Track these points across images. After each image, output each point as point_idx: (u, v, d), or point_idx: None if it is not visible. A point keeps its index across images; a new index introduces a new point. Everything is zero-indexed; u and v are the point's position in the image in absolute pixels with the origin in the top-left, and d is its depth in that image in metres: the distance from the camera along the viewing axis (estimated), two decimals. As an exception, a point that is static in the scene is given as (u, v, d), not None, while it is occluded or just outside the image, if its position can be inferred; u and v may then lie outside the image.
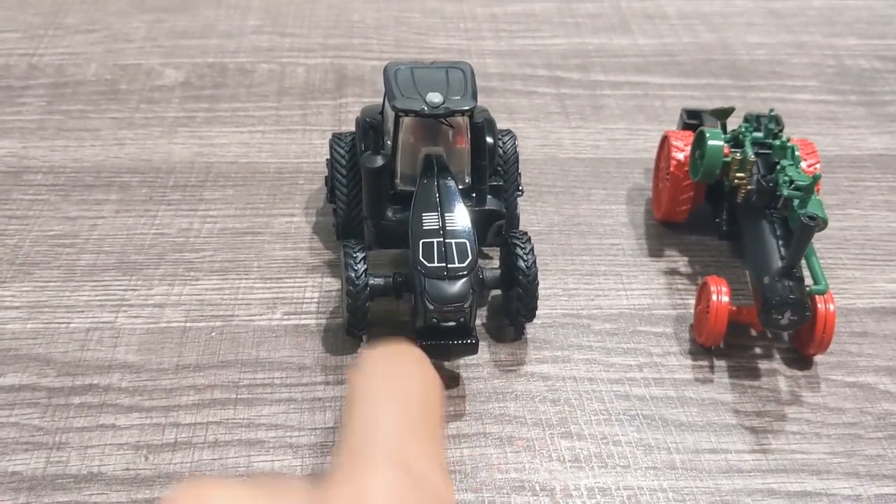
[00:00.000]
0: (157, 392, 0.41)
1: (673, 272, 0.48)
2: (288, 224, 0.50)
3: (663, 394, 0.42)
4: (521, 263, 0.41)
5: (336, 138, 0.47)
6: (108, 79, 0.62)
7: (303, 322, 0.44)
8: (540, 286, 0.47)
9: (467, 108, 0.40)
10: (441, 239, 0.39)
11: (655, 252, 0.50)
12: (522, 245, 0.42)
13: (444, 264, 0.38)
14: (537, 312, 0.43)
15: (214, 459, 0.38)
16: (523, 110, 0.61)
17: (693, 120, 0.51)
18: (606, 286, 0.48)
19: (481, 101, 0.61)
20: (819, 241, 0.50)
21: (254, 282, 0.47)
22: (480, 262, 0.42)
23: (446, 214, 0.40)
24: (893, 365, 0.44)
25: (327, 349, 0.43)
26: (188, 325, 0.44)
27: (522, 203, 0.52)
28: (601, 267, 0.49)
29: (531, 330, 0.45)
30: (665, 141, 0.50)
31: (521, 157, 0.56)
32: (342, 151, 0.46)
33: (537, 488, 0.38)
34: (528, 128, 0.59)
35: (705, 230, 0.50)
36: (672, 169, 0.48)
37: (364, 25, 0.70)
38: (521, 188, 0.47)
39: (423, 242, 0.39)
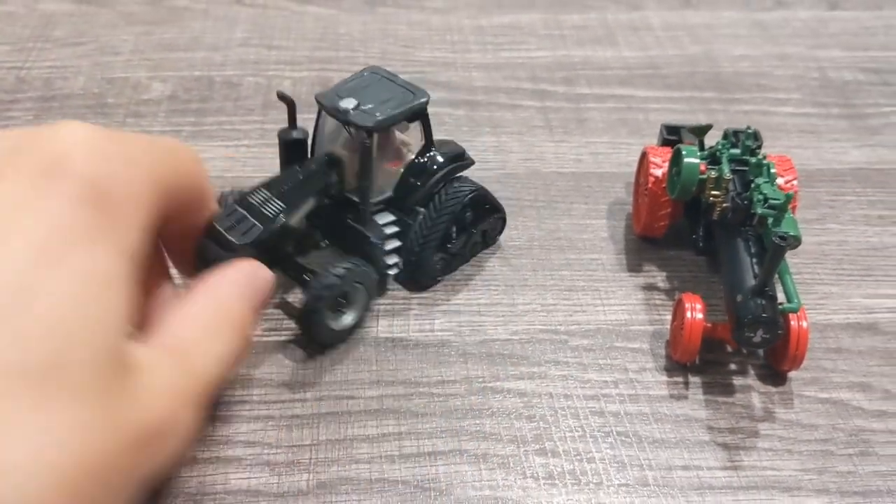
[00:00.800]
0: (136, 409, 0.41)
1: (651, 287, 0.49)
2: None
3: (638, 410, 0.42)
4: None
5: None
6: (95, 92, 0.63)
7: (282, 339, 0.45)
8: (518, 301, 0.47)
9: (365, 125, 0.41)
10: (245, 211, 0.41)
11: (634, 267, 0.50)
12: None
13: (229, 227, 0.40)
14: (515, 329, 0.44)
15: (192, 476, 0.38)
16: (508, 124, 0.61)
17: (672, 136, 0.51)
18: (585, 301, 0.48)
19: (466, 113, 0.62)
20: (797, 256, 0.51)
21: (235, 298, 0.47)
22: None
23: (271, 193, 0.42)
24: (867, 381, 0.44)
25: (306, 366, 0.44)
26: (169, 341, 0.45)
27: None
28: (580, 282, 0.49)
29: (508, 346, 0.45)
30: (644, 157, 0.51)
31: (505, 171, 0.57)
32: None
33: (510, 505, 0.38)
34: (511, 142, 0.60)
35: (684, 245, 0.50)
36: (650, 185, 0.49)
37: (350, 38, 0.70)
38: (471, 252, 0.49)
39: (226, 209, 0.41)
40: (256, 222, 0.41)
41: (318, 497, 0.38)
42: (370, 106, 0.42)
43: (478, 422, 0.41)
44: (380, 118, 0.42)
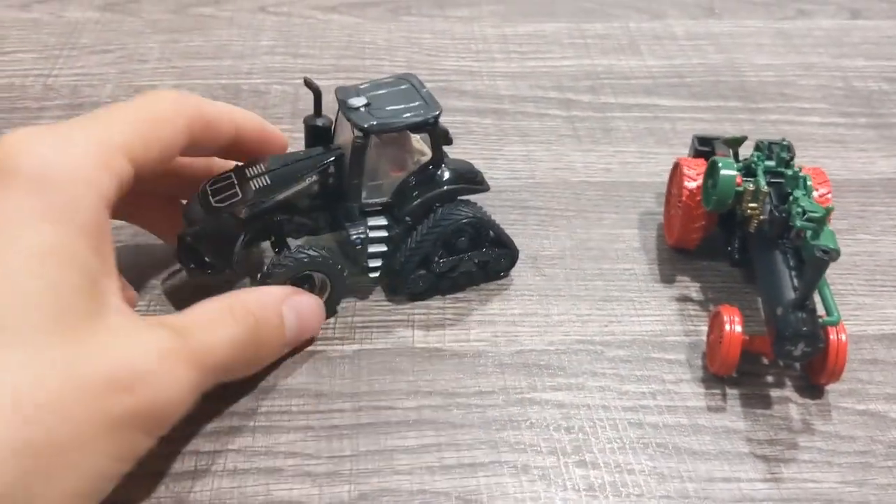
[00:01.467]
0: (176, 419, 0.41)
1: (685, 298, 0.49)
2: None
3: (676, 422, 0.42)
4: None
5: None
6: (123, 100, 0.63)
7: (319, 349, 0.45)
8: (553, 312, 0.47)
9: (360, 125, 0.42)
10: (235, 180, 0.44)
11: (668, 278, 0.50)
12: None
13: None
14: (551, 339, 0.44)
15: (234, 487, 0.39)
16: (535, 133, 0.61)
17: (705, 147, 0.51)
18: (619, 312, 0.48)
19: (493, 122, 0.62)
20: (830, 268, 0.51)
21: (270, 307, 0.47)
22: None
23: (266, 169, 0.44)
24: (904, 393, 0.44)
25: (344, 376, 0.44)
26: (206, 351, 0.45)
27: (534, 227, 0.53)
28: (614, 292, 0.49)
29: (545, 357, 0.45)
30: (677, 168, 0.51)
31: (534, 180, 0.57)
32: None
33: (553, 518, 0.38)
34: (540, 150, 0.60)
35: (717, 256, 0.50)
36: (684, 198, 0.49)
37: (375, 46, 0.70)
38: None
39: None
40: (239, 191, 0.43)
41: (361, 508, 0.38)
42: (378, 109, 0.43)
43: (517, 433, 0.41)
44: (376, 122, 0.42)
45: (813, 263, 0.39)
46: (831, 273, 0.50)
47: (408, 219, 0.46)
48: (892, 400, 0.44)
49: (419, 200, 0.46)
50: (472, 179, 0.47)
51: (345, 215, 0.45)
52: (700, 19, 0.76)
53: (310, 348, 0.45)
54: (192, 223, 0.44)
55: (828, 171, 0.58)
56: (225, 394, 0.42)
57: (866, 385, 0.45)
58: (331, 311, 0.46)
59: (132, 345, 0.33)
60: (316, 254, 0.44)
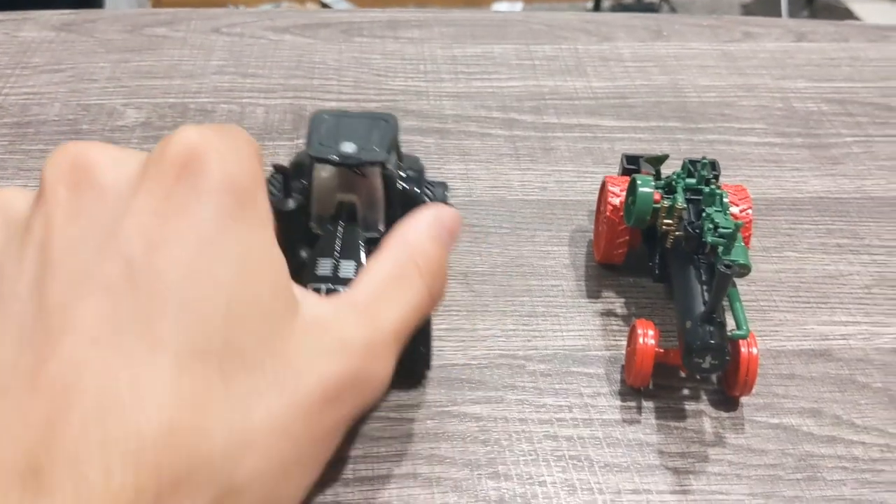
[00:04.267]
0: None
1: (609, 313, 0.50)
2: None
3: (591, 434, 0.43)
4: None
5: (272, 178, 0.48)
6: (70, 119, 0.64)
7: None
8: (479, 327, 0.48)
9: (377, 160, 0.41)
10: (329, 286, 0.40)
11: (594, 293, 0.51)
12: None
13: None
14: (474, 354, 0.44)
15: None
16: (476, 152, 0.62)
17: (632, 165, 0.53)
18: (544, 327, 0.49)
19: (435, 141, 0.63)
20: (754, 284, 0.52)
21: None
22: None
23: (342, 261, 0.41)
24: (818, 406, 0.45)
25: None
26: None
27: (467, 244, 0.54)
28: (540, 308, 0.50)
29: (467, 371, 0.46)
30: (604, 185, 0.52)
31: (471, 198, 0.58)
32: (273, 191, 0.47)
33: (461, 528, 0.39)
34: (479, 169, 0.61)
35: (643, 272, 0.51)
36: (608, 213, 0.50)
37: (325, 66, 0.71)
38: None
39: (311, 286, 0.40)
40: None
41: (272, 519, 0.38)
42: (366, 143, 0.42)
43: (433, 445, 0.42)
44: (384, 148, 0.42)
45: (718, 277, 0.40)
46: (756, 290, 0.51)
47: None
48: (806, 414, 0.45)
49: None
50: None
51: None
52: (647, 42, 0.77)
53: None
54: None
55: (760, 189, 0.59)
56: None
57: (782, 399, 0.45)
58: None
59: (334, 349, 0.32)
60: None
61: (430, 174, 0.58)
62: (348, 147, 0.41)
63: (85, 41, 0.73)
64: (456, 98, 0.68)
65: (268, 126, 0.64)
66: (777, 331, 0.49)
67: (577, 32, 0.78)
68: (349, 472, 0.41)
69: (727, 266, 0.39)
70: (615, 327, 0.49)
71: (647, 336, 0.43)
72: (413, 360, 0.42)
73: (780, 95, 0.71)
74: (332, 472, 0.40)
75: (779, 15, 2.92)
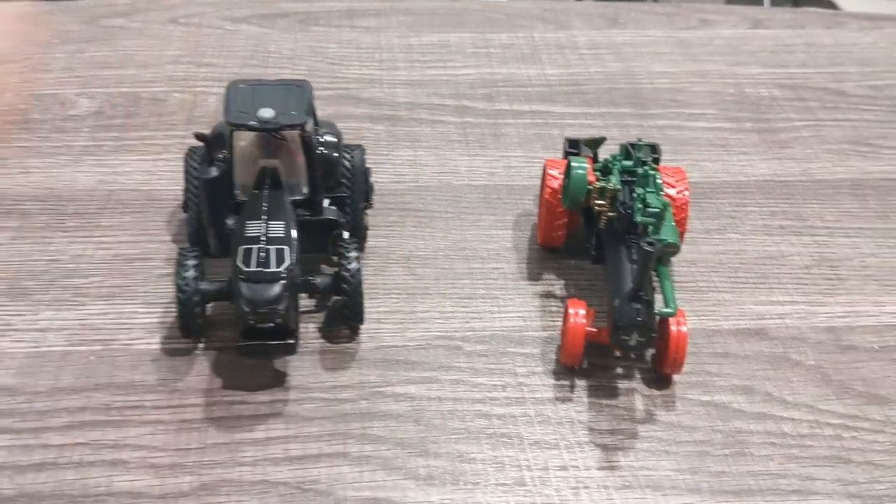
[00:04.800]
0: (29, 414, 0.42)
1: (548, 295, 0.50)
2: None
3: (522, 413, 0.43)
4: (345, 271, 0.44)
5: (191, 151, 0.49)
6: (21, 108, 0.64)
7: (180, 346, 0.46)
8: (418, 309, 0.49)
9: (296, 123, 0.42)
10: (261, 245, 0.41)
11: (534, 276, 0.51)
12: (348, 253, 0.44)
13: (260, 268, 0.41)
14: (412, 335, 0.45)
15: (76, 479, 0.39)
16: (425, 139, 0.63)
17: (573, 149, 0.53)
18: (483, 309, 0.49)
19: (386, 128, 0.63)
20: (694, 265, 0.52)
21: (138, 306, 0.48)
22: (321, 268, 0.46)
23: (270, 223, 0.42)
24: (750, 384, 0.45)
25: (201, 372, 0.44)
26: (69, 349, 0.45)
27: (412, 228, 0.54)
28: (480, 290, 0.50)
29: (403, 352, 0.46)
30: (545, 169, 0.52)
31: (418, 184, 0.58)
32: (195, 164, 0.48)
33: (387, 505, 0.39)
34: (427, 156, 0.61)
35: (583, 255, 0.52)
36: (547, 196, 0.50)
37: (280, 56, 0.71)
38: (369, 201, 0.50)
39: (243, 248, 0.41)
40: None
41: (200, 498, 0.39)
42: (284, 108, 0.43)
43: (365, 425, 0.42)
44: (301, 112, 0.43)
45: (642, 255, 0.40)
46: (696, 270, 0.52)
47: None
48: (738, 391, 0.45)
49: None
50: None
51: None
52: (603, 30, 0.78)
53: (171, 346, 0.46)
54: None
55: (706, 173, 0.60)
56: (80, 389, 0.43)
57: (714, 377, 0.46)
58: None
59: None
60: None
61: (378, 160, 0.60)
62: (266, 112, 0.42)
63: (42, 32, 0.73)
64: (409, 86, 0.69)
65: (219, 114, 0.63)
66: (714, 311, 0.50)
67: (534, 21, 0.78)
68: (280, 451, 0.41)
69: (650, 244, 0.40)
70: (553, 308, 0.49)
71: (578, 315, 0.43)
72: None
73: (733, 81, 0.71)
74: (262, 451, 0.41)
75: (761, 3, 2.92)
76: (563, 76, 0.71)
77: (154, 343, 0.46)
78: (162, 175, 0.58)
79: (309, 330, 0.47)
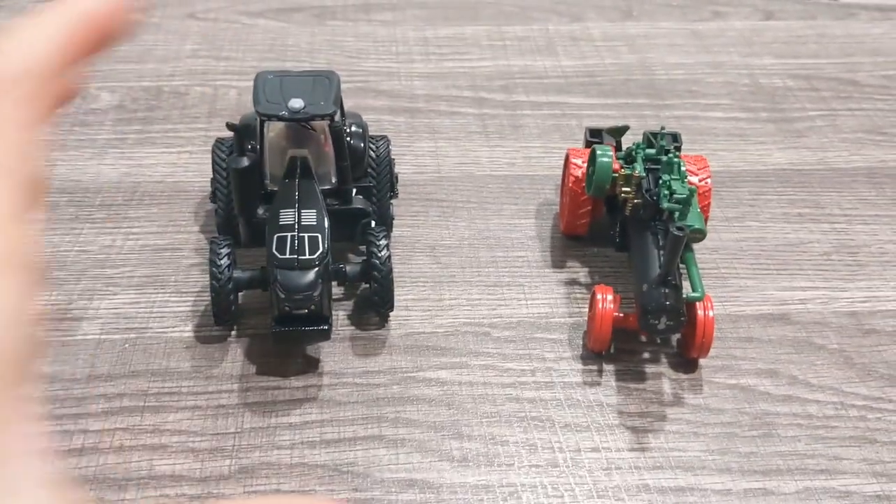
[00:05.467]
0: (68, 401, 0.43)
1: (573, 282, 0.51)
2: (208, 240, 0.52)
3: (552, 396, 0.44)
4: (375, 259, 0.45)
5: (218, 143, 0.50)
6: (44, 102, 0.64)
7: (213, 333, 0.46)
8: (445, 297, 0.49)
9: (326, 113, 0.43)
10: (294, 233, 0.42)
11: (558, 263, 0.52)
12: (378, 241, 0.45)
13: (294, 256, 0.41)
14: (440, 322, 0.45)
15: (119, 463, 0.40)
16: (445, 130, 0.63)
17: (595, 138, 0.53)
18: (509, 296, 0.50)
19: (406, 120, 0.64)
20: (716, 253, 0.53)
21: (169, 295, 0.49)
22: (349, 257, 0.47)
23: (303, 211, 0.43)
24: (775, 368, 0.46)
25: (235, 359, 0.45)
26: (103, 337, 0.46)
27: (435, 218, 0.55)
28: (505, 278, 0.51)
29: (433, 339, 0.47)
30: (567, 158, 0.53)
31: (440, 175, 0.59)
32: (222, 155, 0.49)
33: (424, 486, 0.40)
34: (448, 146, 0.62)
35: (607, 242, 0.52)
36: (570, 184, 0.51)
37: (298, 49, 0.72)
38: (395, 190, 0.51)
39: (277, 236, 0.42)
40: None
41: (239, 481, 0.39)
42: (312, 99, 0.44)
43: (398, 409, 0.43)
44: (330, 102, 0.44)
45: (670, 240, 0.41)
46: (718, 258, 0.53)
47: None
48: (763, 375, 0.46)
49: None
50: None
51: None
52: (617, 22, 0.78)
53: (203, 333, 0.46)
54: None
55: (724, 162, 0.61)
56: (116, 376, 0.44)
57: (739, 361, 0.47)
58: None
59: None
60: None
61: (400, 151, 0.60)
62: (296, 103, 0.43)
63: (60, 27, 0.74)
64: (427, 78, 0.69)
65: (241, 107, 0.65)
66: (737, 296, 0.50)
67: (548, 13, 0.79)
68: (316, 435, 0.42)
69: (679, 229, 0.41)
70: (578, 295, 0.50)
71: (606, 301, 0.44)
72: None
73: (747, 72, 0.72)
74: (298, 435, 0.41)
75: None
76: (579, 67, 0.71)
77: (187, 331, 0.47)
78: (187, 167, 0.58)
79: (339, 317, 0.48)
